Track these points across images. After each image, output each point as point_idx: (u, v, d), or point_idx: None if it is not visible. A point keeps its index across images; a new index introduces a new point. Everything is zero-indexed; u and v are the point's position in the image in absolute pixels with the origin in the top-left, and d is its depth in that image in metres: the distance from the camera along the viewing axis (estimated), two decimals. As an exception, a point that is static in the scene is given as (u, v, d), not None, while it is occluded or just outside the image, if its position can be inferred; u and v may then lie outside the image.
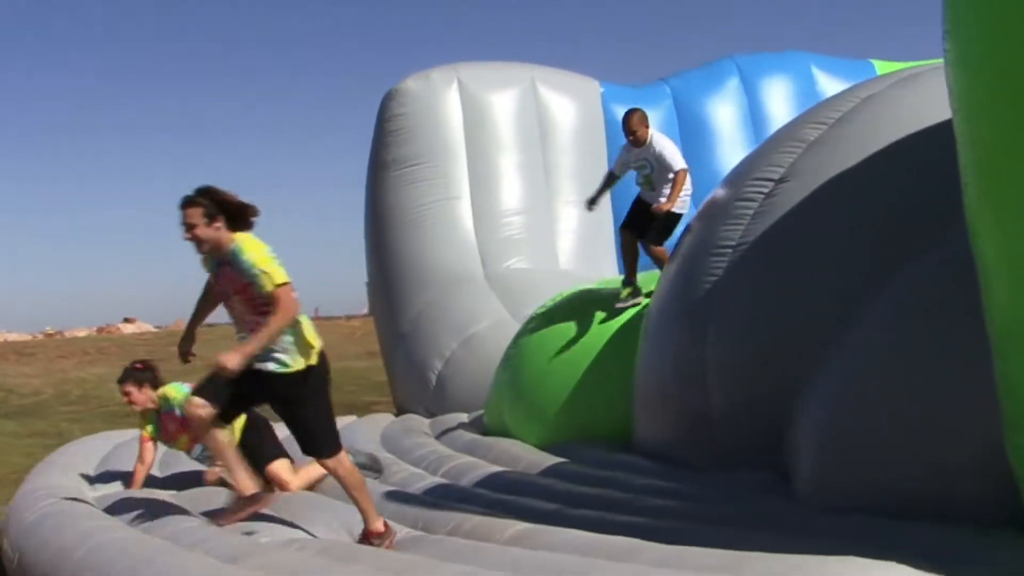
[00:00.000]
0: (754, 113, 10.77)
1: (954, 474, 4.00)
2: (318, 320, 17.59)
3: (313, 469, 5.39)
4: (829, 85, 10.76)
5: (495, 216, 9.58)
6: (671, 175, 6.82)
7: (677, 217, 6.91)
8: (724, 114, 10.70)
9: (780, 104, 10.78)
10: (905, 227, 4.75)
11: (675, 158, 6.88)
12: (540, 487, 5.31)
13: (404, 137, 9.55)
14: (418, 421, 8.38)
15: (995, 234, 3.46)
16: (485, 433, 7.31)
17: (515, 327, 8.64)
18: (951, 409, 4.02)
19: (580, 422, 6.53)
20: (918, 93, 5.34)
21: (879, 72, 11.06)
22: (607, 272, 9.87)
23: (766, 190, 5.32)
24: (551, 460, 6.01)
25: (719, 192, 5.88)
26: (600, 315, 6.83)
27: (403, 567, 3.85)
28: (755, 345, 5.09)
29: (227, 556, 4.04)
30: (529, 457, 6.18)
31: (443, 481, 5.73)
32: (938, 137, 4.98)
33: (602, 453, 6.00)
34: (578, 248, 9.89)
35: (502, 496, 5.11)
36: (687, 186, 6.95)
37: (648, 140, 6.93)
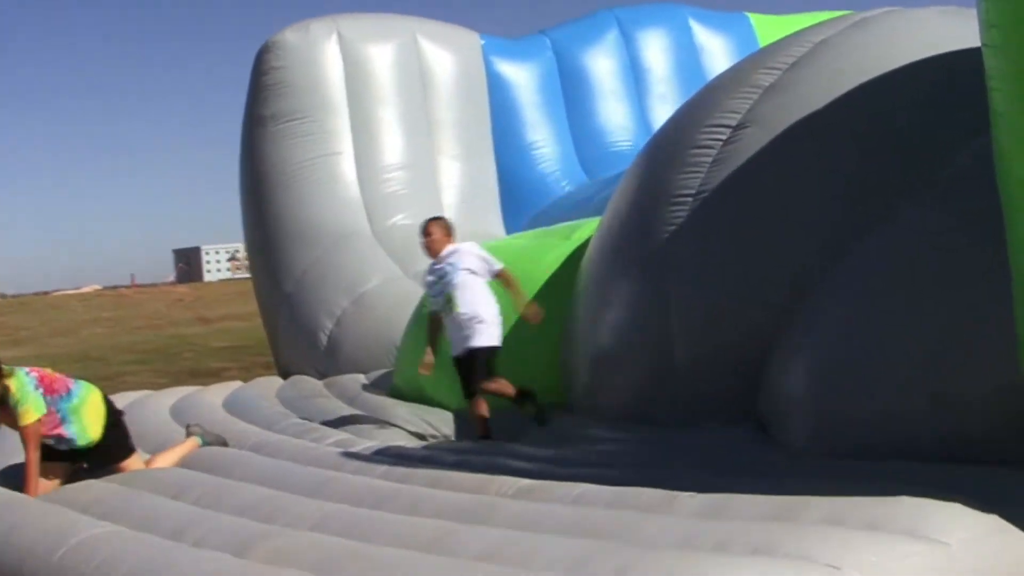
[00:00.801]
0: (633, 65, 10.71)
1: (963, 412, 3.96)
2: (136, 288, 17.02)
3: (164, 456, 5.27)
4: (705, 37, 10.82)
5: (379, 171, 9.33)
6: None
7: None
8: (604, 66, 10.60)
9: (658, 55, 10.77)
10: (880, 171, 4.72)
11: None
12: (511, 450, 5.12)
13: (282, 91, 9.22)
14: (311, 383, 8.09)
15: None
16: (395, 395, 7.09)
17: (408, 284, 8.45)
18: (959, 345, 3.98)
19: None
20: (875, 37, 5.30)
21: (755, 25, 11.14)
22: (492, 226, 9.73)
23: (724, 137, 5.21)
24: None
25: (662, 140, 5.77)
26: (516, 271, 6.62)
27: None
28: (722, 294, 4.98)
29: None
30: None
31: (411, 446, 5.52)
32: (904, 81, 4.98)
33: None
34: (462, 203, 9.70)
35: (485, 458, 4.91)
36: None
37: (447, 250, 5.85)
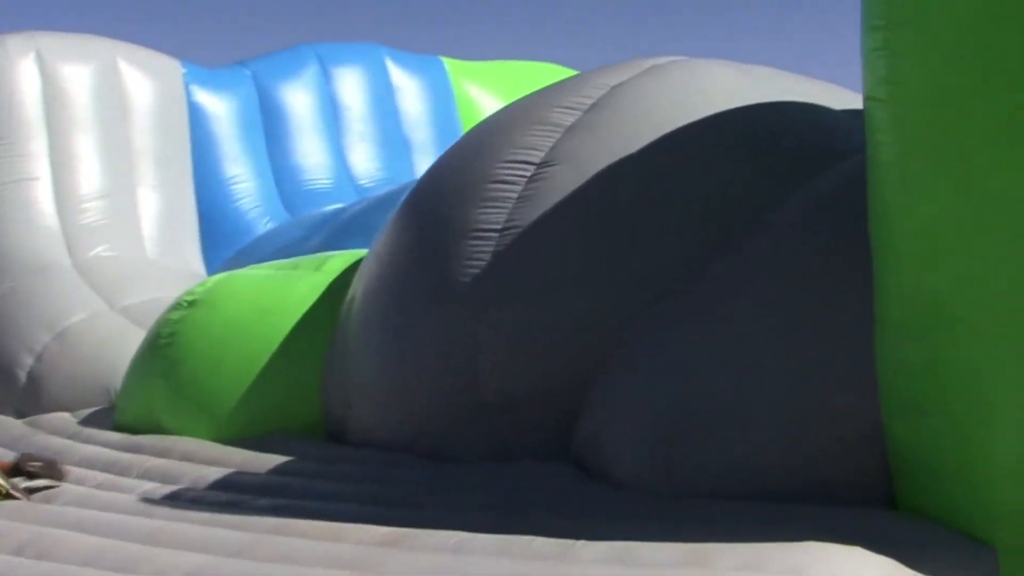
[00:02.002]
0: (332, 102, 10.65)
1: (822, 455, 4.12)
2: None
3: None
4: (401, 78, 10.90)
5: (77, 200, 8.83)
6: None
7: None
8: (304, 101, 10.47)
9: (356, 94, 10.75)
10: (713, 210, 4.89)
11: None
12: (307, 488, 4.95)
13: (-25, 109, 8.62)
14: (9, 423, 7.55)
15: (927, 211, 3.63)
16: (118, 431, 6.74)
17: (115, 319, 8.08)
18: (817, 386, 4.15)
19: (264, 415, 6.12)
20: (669, 85, 5.49)
21: (448, 69, 11.34)
22: (191, 261, 9.43)
23: (527, 173, 5.24)
24: (266, 458, 5.60)
25: (443, 174, 5.77)
26: (265, 301, 6.49)
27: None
28: (536, 330, 5.00)
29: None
30: (234, 457, 5.72)
31: (166, 487, 5.20)
32: (714, 129, 5.21)
33: (326, 448, 5.70)
34: (161, 235, 9.32)
35: (278, 501, 4.71)
36: None
37: None
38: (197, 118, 9.78)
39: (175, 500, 4.86)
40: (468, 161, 5.64)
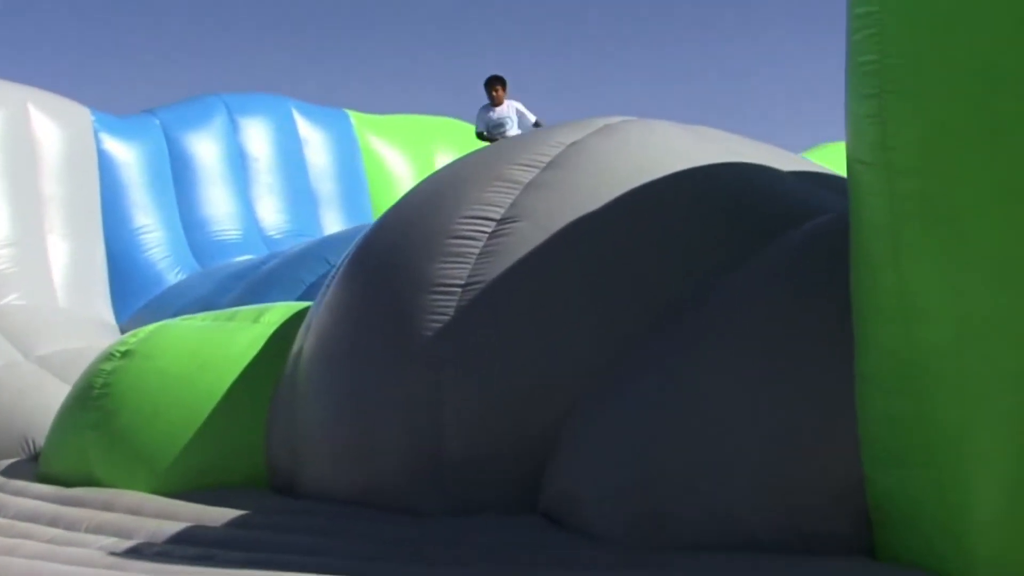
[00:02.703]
0: (240, 152, 10.62)
1: (803, 507, 4.24)
2: None
3: None
4: (307, 130, 10.94)
5: (-15, 248, 8.68)
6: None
7: None
8: (212, 151, 10.44)
9: (264, 145, 10.76)
10: (666, 267, 5.03)
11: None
12: (276, 541, 4.92)
13: None
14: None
15: (921, 270, 3.80)
16: (48, 483, 6.60)
17: (31, 369, 7.96)
18: (799, 437, 4.27)
19: (205, 468, 6.06)
20: (626, 143, 5.63)
21: (354, 122, 11.38)
22: (101, 311, 9.30)
23: (487, 229, 5.32)
24: (218, 511, 5.55)
25: (394, 228, 5.81)
26: (204, 352, 6.44)
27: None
28: (507, 387, 5.04)
29: None
30: (183, 510, 5.65)
31: (126, 542, 5.12)
32: (676, 186, 5.36)
33: (280, 500, 5.67)
34: (72, 284, 9.18)
35: (252, 555, 4.68)
36: None
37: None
38: (106, 166, 9.69)
39: (142, 554, 4.79)
40: (424, 215, 5.68)
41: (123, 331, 9.09)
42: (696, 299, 4.88)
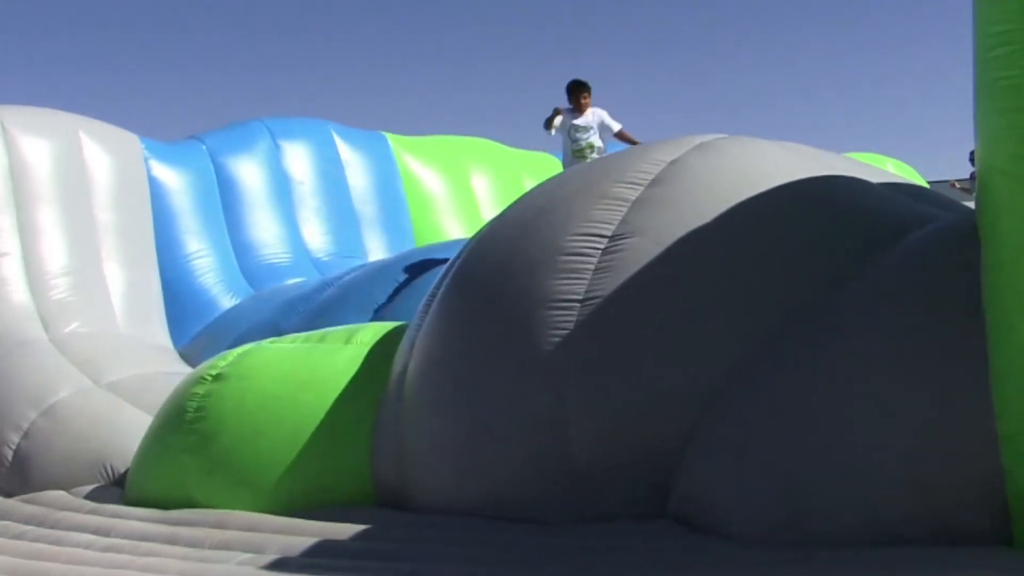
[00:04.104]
0: (286, 176, 10.73)
1: (945, 500, 4.41)
2: None
3: None
4: (347, 152, 11.06)
5: (47, 275, 8.73)
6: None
7: None
8: (259, 176, 10.54)
9: (305, 167, 10.85)
10: (792, 277, 5.18)
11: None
12: (419, 551, 5.04)
13: (-58, 187, 8.48)
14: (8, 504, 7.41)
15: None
16: (132, 506, 6.68)
17: (104, 395, 8.03)
18: (941, 431, 4.42)
19: (310, 486, 6.18)
20: (726, 159, 5.79)
21: (391, 143, 11.51)
22: (158, 337, 9.37)
23: (600, 245, 5.48)
24: (339, 526, 5.65)
25: (500, 246, 5.93)
26: (301, 374, 6.55)
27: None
28: (631, 397, 5.17)
29: None
30: (303, 527, 5.74)
31: (264, 557, 5.22)
32: (786, 199, 5.52)
33: (398, 515, 5.78)
34: (130, 311, 9.25)
35: (408, 564, 4.80)
36: None
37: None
38: (157, 192, 9.77)
39: (289, 568, 4.90)
40: (531, 233, 5.81)
41: (182, 356, 9.19)
42: (818, 307, 5.03)
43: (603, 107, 10.36)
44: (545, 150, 13.45)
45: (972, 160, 20.90)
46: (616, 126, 10.29)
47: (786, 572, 4.23)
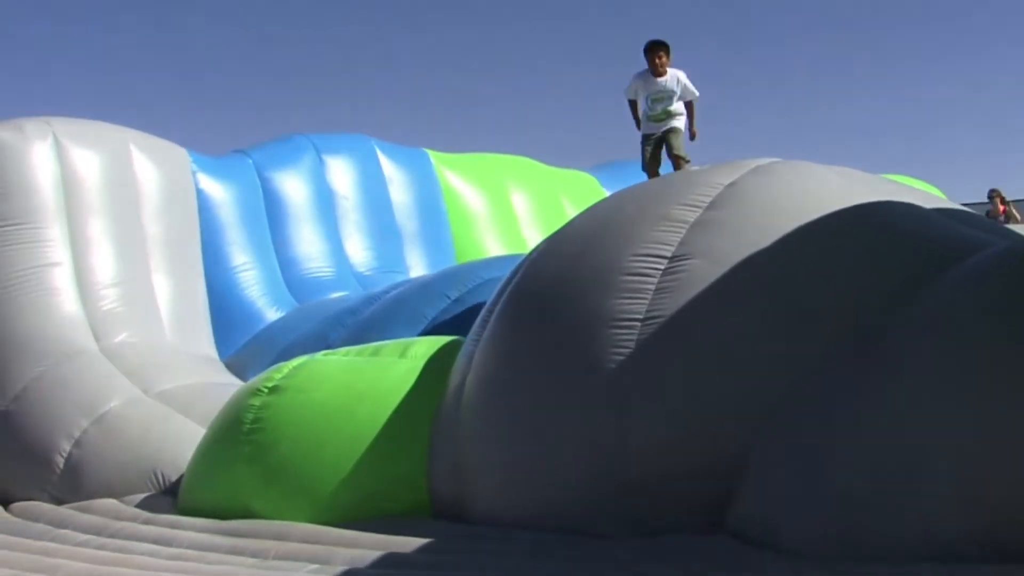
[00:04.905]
0: (330, 191, 10.86)
1: (1000, 516, 4.50)
2: None
3: None
4: (390, 168, 11.18)
5: (97, 286, 8.83)
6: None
7: None
8: (303, 190, 10.66)
9: (349, 182, 10.98)
10: (851, 299, 5.29)
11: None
12: (485, 562, 5.14)
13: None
14: (50, 510, 7.52)
15: None
16: (187, 515, 6.79)
17: (155, 404, 8.13)
18: (999, 449, 4.52)
19: (368, 498, 6.29)
20: (783, 183, 5.92)
21: (432, 160, 11.64)
22: (205, 346, 9.48)
23: (660, 266, 5.59)
24: (399, 539, 5.74)
25: (556, 267, 6.05)
26: (358, 386, 6.66)
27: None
28: (691, 415, 5.29)
29: None
30: (362, 539, 5.83)
31: (332, 568, 5.32)
32: (845, 223, 5.63)
33: (456, 527, 5.88)
34: (177, 322, 9.36)
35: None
36: None
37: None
38: (204, 205, 9.89)
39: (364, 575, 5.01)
40: (589, 253, 5.93)
41: (227, 367, 9.30)
42: (877, 328, 5.14)
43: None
44: (582, 169, 13.61)
45: (990, 198, 20.99)
46: (695, 93, 9.74)
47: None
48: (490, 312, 6.38)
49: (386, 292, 9.00)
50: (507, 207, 12.02)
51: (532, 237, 11.66)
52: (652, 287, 5.57)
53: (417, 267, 11.03)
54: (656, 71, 9.65)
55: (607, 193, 13.00)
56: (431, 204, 11.59)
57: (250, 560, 5.59)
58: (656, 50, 9.62)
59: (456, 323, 7.91)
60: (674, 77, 9.67)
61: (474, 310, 7.64)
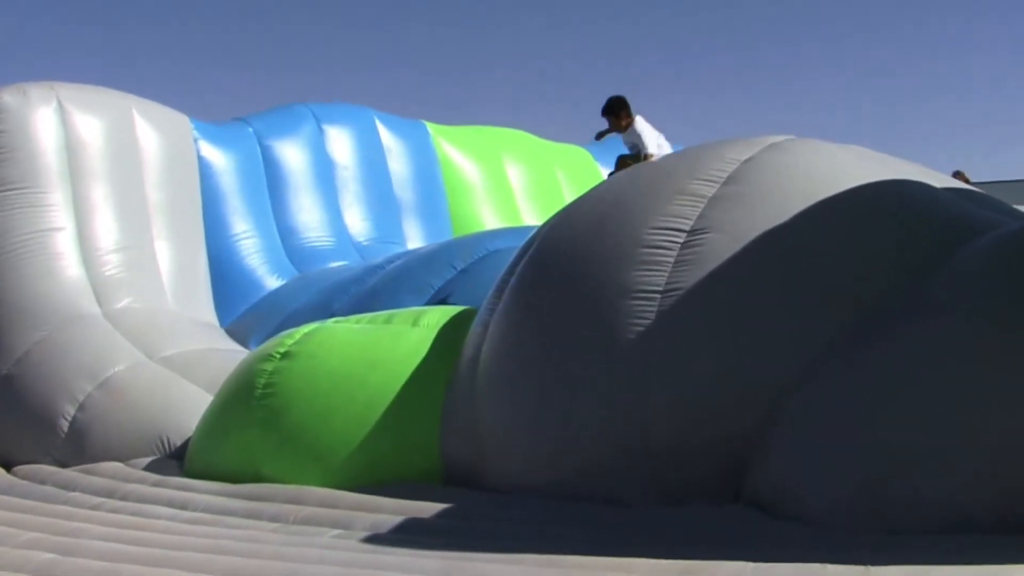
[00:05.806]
0: (329, 161, 10.89)
1: (1020, 491, 4.60)
2: None
3: None
4: (390, 140, 11.22)
5: (100, 251, 8.84)
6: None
7: None
8: (303, 159, 10.68)
9: (348, 152, 11.01)
10: (868, 272, 5.39)
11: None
12: (507, 529, 5.23)
13: (2, 158, 8.58)
14: (55, 472, 7.55)
15: None
16: (193, 478, 6.84)
17: (159, 369, 8.17)
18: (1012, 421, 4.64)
19: (380, 463, 6.35)
20: (798, 159, 5.99)
21: (431, 132, 11.68)
22: (206, 313, 9.51)
23: (679, 240, 5.66)
24: (417, 504, 5.79)
25: (577, 237, 6.11)
26: (371, 353, 6.72)
27: None
28: (710, 385, 5.37)
29: None
30: (380, 503, 5.89)
31: (355, 533, 5.38)
32: (860, 198, 5.72)
33: (475, 493, 5.95)
34: (179, 288, 9.38)
35: (496, 541, 4.98)
36: None
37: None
38: (205, 173, 9.90)
39: (389, 543, 5.05)
40: (608, 225, 5.99)
41: (228, 334, 9.34)
42: (897, 303, 5.23)
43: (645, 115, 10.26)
44: (577, 143, 13.68)
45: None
46: (646, 150, 10.15)
47: (862, 555, 4.39)
48: (505, 283, 6.44)
49: (388, 262, 9.06)
50: (503, 179, 12.09)
51: (527, 209, 11.76)
52: (671, 260, 5.64)
53: (414, 238, 11.09)
54: (616, 129, 10.44)
55: (601, 167, 13.12)
56: (428, 175, 11.64)
57: (270, 524, 5.64)
58: (609, 114, 10.43)
59: (465, 293, 7.98)
60: (634, 131, 10.34)
61: (480, 281, 7.72)
